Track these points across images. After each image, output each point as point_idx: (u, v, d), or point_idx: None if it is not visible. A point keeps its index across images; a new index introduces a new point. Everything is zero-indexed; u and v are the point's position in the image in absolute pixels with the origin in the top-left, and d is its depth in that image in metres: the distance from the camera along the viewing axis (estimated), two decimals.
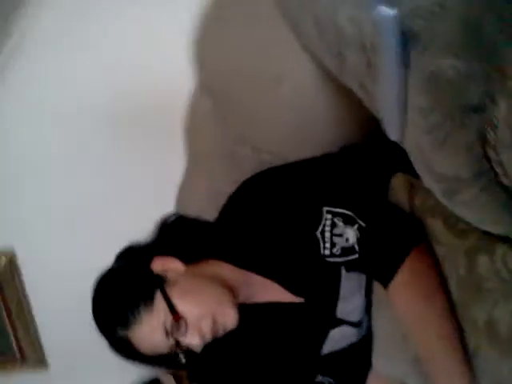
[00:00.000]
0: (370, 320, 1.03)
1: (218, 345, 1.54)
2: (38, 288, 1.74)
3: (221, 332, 0.97)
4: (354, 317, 1.03)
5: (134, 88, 1.47)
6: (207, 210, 1.20)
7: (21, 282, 1.73)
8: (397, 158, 0.86)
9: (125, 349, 0.98)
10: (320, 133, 1.14)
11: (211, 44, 1.28)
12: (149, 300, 0.95)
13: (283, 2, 1.09)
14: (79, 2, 1.39)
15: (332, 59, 0.89)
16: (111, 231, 1.43)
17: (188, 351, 0.97)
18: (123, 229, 1.31)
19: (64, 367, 1.90)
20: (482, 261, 0.70)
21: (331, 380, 1.12)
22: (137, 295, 0.97)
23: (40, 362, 1.89)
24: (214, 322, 0.95)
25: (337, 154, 1.11)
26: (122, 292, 0.99)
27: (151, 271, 0.99)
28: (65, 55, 1.44)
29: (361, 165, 1.05)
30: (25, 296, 1.75)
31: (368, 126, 1.01)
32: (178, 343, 0.94)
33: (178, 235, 1.10)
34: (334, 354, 1.08)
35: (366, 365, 1.05)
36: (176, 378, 1.71)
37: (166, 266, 1.00)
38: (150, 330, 0.94)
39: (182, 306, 0.94)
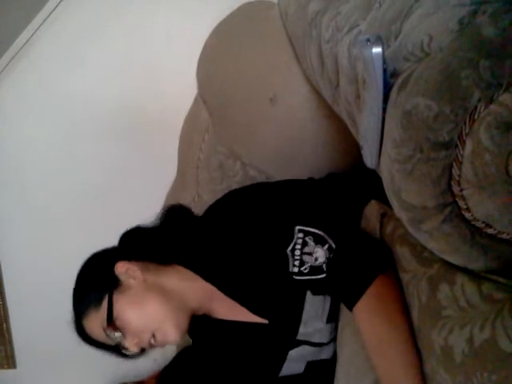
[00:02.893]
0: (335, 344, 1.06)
1: (182, 356, 1.58)
2: (10, 287, 1.75)
3: (160, 345, 1.04)
4: (316, 339, 1.05)
5: (139, 94, 1.51)
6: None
7: None
8: (376, 188, 0.90)
9: (83, 334, 1.07)
10: (307, 156, 1.18)
11: (214, 61, 1.33)
12: (98, 300, 1.02)
13: (291, 30, 1.14)
14: (85, 14, 1.44)
15: (328, 87, 0.94)
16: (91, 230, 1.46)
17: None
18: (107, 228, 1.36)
19: (32, 369, 1.91)
20: (443, 289, 0.73)
21: None
22: (91, 292, 1.05)
23: (9, 362, 1.89)
24: (154, 337, 1.02)
25: (320, 180, 1.15)
26: (82, 286, 1.08)
27: (112, 272, 1.05)
28: (69, 65, 1.48)
29: (339, 190, 1.08)
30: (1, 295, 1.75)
31: (353, 154, 1.06)
32: (118, 344, 1.03)
33: (150, 238, 1.13)
34: (292, 377, 1.10)
35: None
36: None
37: (127, 271, 1.05)
38: (93, 327, 1.03)
39: (125, 315, 1.00)
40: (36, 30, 1.38)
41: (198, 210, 1.22)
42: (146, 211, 1.48)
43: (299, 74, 1.15)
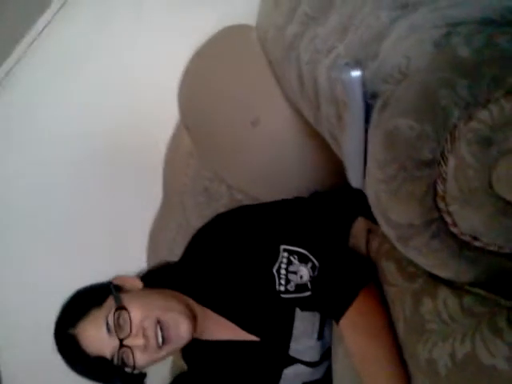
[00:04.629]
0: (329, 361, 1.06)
1: (177, 382, 1.56)
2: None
3: (170, 340, 0.97)
4: (308, 357, 1.06)
5: (120, 121, 1.52)
6: (179, 243, 1.24)
7: None
8: (362, 205, 0.91)
9: (72, 349, 0.97)
10: (292, 177, 1.19)
11: (194, 86, 1.34)
12: (100, 300, 0.98)
13: (270, 54, 1.16)
14: (63, 49, 1.45)
15: (310, 109, 0.95)
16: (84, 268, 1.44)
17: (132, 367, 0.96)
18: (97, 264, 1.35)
19: None
20: (426, 303, 0.74)
21: None
22: (91, 297, 1.01)
23: None
24: (160, 325, 0.95)
25: (306, 198, 1.16)
26: (79, 298, 1.03)
27: (110, 283, 1.03)
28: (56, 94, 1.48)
29: (325, 208, 1.10)
30: None
31: (339, 173, 1.07)
32: (121, 343, 0.94)
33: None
34: None
35: None
36: None
37: (125, 281, 1.05)
38: (94, 325, 0.95)
39: (128, 306, 0.96)
40: (15, 64, 1.38)
41: (186, 235, 1.22)
42: (133, 239, 1.50)
43: (280, 96, 1.16)
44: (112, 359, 0.95)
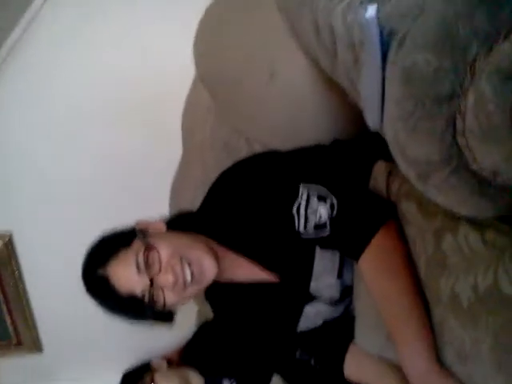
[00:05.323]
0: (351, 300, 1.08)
1: (203, 330, 1.61)
2: (34, 272, 1.79)
3: (196, 276, 0.99)
4: (328, 295, 1.08)
5: (138, 79, 1.52)
6: (200, 198, 1.25)
7: (18, 266, 1.76)
8: (382, 150, 0.91)
9: (104, 290, 1.00)
10: (310, 128, 1.19)
11: (210, 40, 1.32)
12: (127, 242, 1.00)
13: (284, 3, 1.14)
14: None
15: (326, 57, 0.94)
16: (108, 216, 1.48)
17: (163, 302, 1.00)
18: (120, 210, 1.38)
19: (58, 352, 1.95)
20: (447, 239, 0.75)
21: (310, 355, 1.17)
22: (118, 240, 1.03)
23: (35, 346, 1.93)
24: (188, 263, 0.98)
25: (327, 145, 1.16)
26: (106, 241, 1.06)
27: (133, 228, 1.06)
28: (69, 48, 1.49)
29: (345, 152, 1.10)
30: (21, 280, 1.78)
31: (357, 122, 1.06)
32: (151, 282, 0.97)
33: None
34: (311, 331, 1.14)
35: (344, 342, 1.10)
36: (167, 361, 1.76)
37: (148, 225, 1.07)
38: (124, 265, 0.98)
39: (156, 246, 0.99)
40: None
41: (206, 189, 1.23)
42: (153, 198, 1.52)
43: (296, 47, 1.14)
44: (143, 297, 0.98)
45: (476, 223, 0.71)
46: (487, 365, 0.72)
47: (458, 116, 0.58)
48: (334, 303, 1.09)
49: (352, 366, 1.12)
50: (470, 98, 0.57)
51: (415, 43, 0.59)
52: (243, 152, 1.36)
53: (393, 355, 0.93)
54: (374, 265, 0.92)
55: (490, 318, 0.67)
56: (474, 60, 0.55)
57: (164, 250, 0.98)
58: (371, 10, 0.63)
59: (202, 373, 1.66)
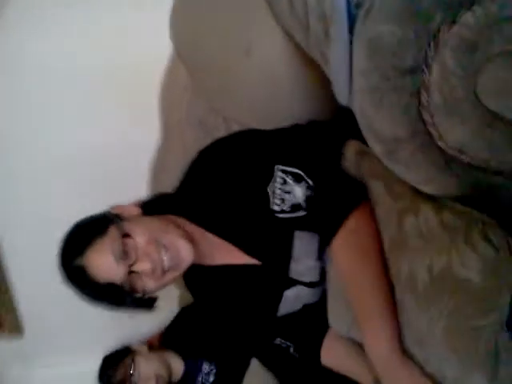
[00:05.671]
0: None
1: (183, 314, 1.60)
2: (16, 254, 1.77)
3: (173, 262, 0.98)
4: (308, 277, 1.07)
5: (114, 57, 1.49)
6: (179, 176, 1.24)
7: None
8: (357, 132, 0.90)
9: (82, 279, 0.99)
10: (286, 105, 1.17)
11: (186, 14, 1.30)
12: (102, 229, 0.98)
13: None
14: None
15: (299, 29, 0.92)
16: (88, 199, 1.46)
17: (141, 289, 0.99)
18: (100, 194, 1.36)
19: (39, 336, 1.95)
20: (409, 220, 0.75)
21: (289, 343, 1.17)
22: (92, 227, 1.00)
23: (15, 328, 1.92)
24: (165, 249, 0.97)
25: (303, 125, 1.15)
26: (81, 229, 1.03)
27: (109, 212, 1.04)
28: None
29: (320, 133, 1.09)
30: (2, 262, 1.77)
31: (334, 100, 1.06)
32: (129, 270, 0.96)
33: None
34: (291, 316, 1.13)
35: (322, 330, 1.10)
36: (148, 345, 1.77)
37: (123, 209, 1.05)
38: (101, 254, 0.96)
39: (132, 233, 0.97)
40: None
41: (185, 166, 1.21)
42: (134, 176, 1.50)
43: (273, 23, 1.12)
44: (121, 285, 0.97)
45: (436, 204, 0.71)
46: (441, 347, 0.72)
47: (422, 90, 0.57)
48: (313, 285, 1.08)
49: (328, 353, 1.12)
50: (434, 71, 0.56)
51: (380, 14, 0.57)
52: (221, 131, 1.34)
53: (359, 337, 0.93)
54: (344, 247, 0.91)
55: (444, 299, 0.67)
56: (438, 31, 0.54)
57: (140, 237, 0.97)
58: None
59: (183, 356, 1.67)
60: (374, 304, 0.86)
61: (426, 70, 0.56)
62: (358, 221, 0.90)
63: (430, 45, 0.55)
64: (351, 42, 0.63)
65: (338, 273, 0.94)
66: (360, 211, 0.90)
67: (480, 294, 0.62)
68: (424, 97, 0.58)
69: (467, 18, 0.53)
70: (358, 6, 0.62)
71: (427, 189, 0.67)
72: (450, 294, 0.66)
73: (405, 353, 0.83)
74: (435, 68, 0.56)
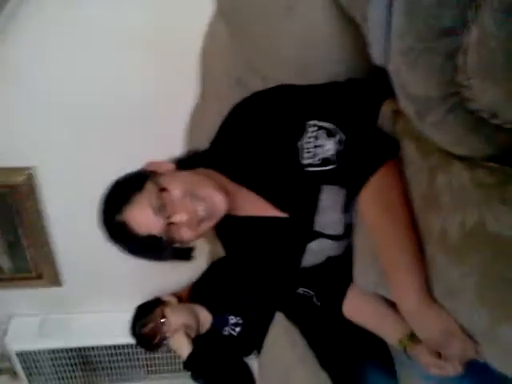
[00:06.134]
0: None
1: (212, 269, 1.65)
2: (55, 208, 1.83)
3: (208, 212, 1.03)
4: (331, 230, 1.10)
5: (156, 14, 1.50)
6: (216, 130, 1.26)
7: (39, 202, 1.80)
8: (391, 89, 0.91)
9: (123, 234, 1.04)
10: (324, 64, 1.17)
11: None
12: (140, 186, 1.03)
13: None
14: None
15: None
16: (126, 153, 1.50)
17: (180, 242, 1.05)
18: (137, 149, 1.41)
19: (77, 285, 2.04)
20: (440, 177, 0.76)
21: (311, 292, 1.20)
22: (130, 184, 1.06)
23: (54, 280, 1.98)
24: (199, 200, 1.02)
25: (341, 82, 1.15)
26: (120, 187, 1.08)
27: (145, 169, 1.09)
28: None
29: (358, 90, 1.09)
30: (42, 216, 1.80)
31: (371, 60, 1.05)
32: (167, 221, 1.01)
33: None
34: (314, 267, 1.17)
35: (346, 279, 1.13)
36: (177, 297, 1.84)
37: (158, 165, 1.10)
38: (140, 209, 1.02)
39: (168, 187, 1.02)
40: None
41: None
42: (171, 134, 1.54)
43: None
44: (161, 236, 1.03)
45: (468, 162, 0.71)
46: (472, 298, 0.74)
47: (458, 52, 0.57)
48: (336, 238, 1.11)
49: (351, 305, 1.16)
50: (474, 33, 0.56)
51: None
52: (259, 88, 1.35)
53: (386, 292, 0.95)
54: (372, 199, 0.93)
55: (476, 254, 0.68)
56: None
57: (176, 190, 1.02)
58: None
59: (210, 310, 1.73)
60: (402, 256, 0.89)
61: (464, 32, 0.56)
62: (387, 175, 0.92)
63: (470, 6, 0.55)
64: (391, 4, 0.63)
65: (365, 226, 0.95)
66: (389, 167, 0.92)
67: (510, 247, 0.64)
68: (460, 59, 0.58)
69: None
70: None
71: (457, 150, 0.68)
72: (482, 248, 0.67)
73: (434, 301, 0.86)
74: (474, 31, 0.56)
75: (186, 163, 1.14)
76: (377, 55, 0.70)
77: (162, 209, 1.01)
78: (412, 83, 0.62)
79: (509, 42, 0.56)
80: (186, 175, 1.08)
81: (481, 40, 0.56)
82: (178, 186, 1.03)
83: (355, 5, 0.83)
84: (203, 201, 1.03)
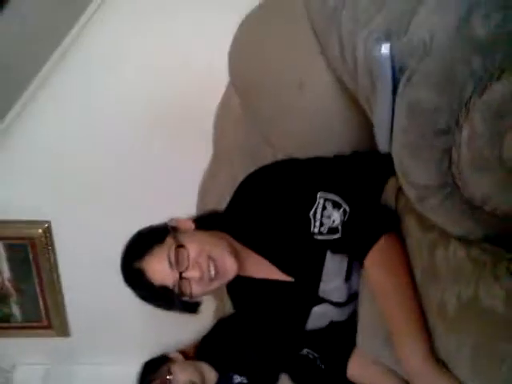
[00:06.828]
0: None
1: (219, 326, 1.70)
2: (68, 261, 1.89)
3: (219, 272, 1.11)
4: (335, 297, 1.18)
5: (174, 80, 1.60)
6: (225, 197, 1.34)
7: (54, 254, 1.87)
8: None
9: (139, 280, 1.13)
10: (333, 139, 1.25)
11: (245, 48, 1.40)
12: (161, 238, 1.13)
13: (315, 20, 1.21)
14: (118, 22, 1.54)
15: (349, 75, 1.01)
16: (138, 210, 1.58)
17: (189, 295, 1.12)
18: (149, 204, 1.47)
19: (85, 337, 2.07)
20: (439, 252, 0.84)
21: (315, 354, 1.25)
22: (152, 236, 1.15)
23: (63, 330, 2.03)
24: (212, 261, 1.11)
25: (346, 156, 1.23)
26: (142, 238, 1.18)
27: (167, 224, 1.18)
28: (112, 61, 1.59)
29: (363, 164, 1.18)
30: (56, 268, 1.88)
31: None
32: (181, 275, 1.09)
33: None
34: (318, 331, 1.23)
35: (349, 344, 1.18)
36: (183, 354, 1.86)
37: (180, 222, 1.19)
38: (158, 260, 1.11)
39: (186, 244, 1.11)
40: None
41: (231, 190, 1.31)
42: (185, 191, 1.62)
43: (324, 63, 1.21)
44: (173, 288, 1.11)
45: (465, 240, 0.78)
46: (467, 369, 0.79)
47: (453, 148, 0.66)
48: (340, 305, 1.17)
49: (355, 367, 1.20)
50: (465, 132, 0.64)
51: (420, 81, 0.66)
52: (269, 160, 1.43)
53: (388, 360, 1.00)
54: (378, 264, 1.01)
55: (471, 326, 0.74)
56: (469, 99, 0.63)
57: (193, 249, 1.11)
58: (385, 49, 0.70)
59: (216, 368, 1.76)
60: (407, 319, 0.94)
61: (457, 131, 0.65)
62: (389, 242, 1.00)
63: (461, 110, 0.63)
64: (394, 100, 0.72)
65: (370, 290, 1.02)
66: (390, 236, 1.00)
67: (504, 321, 0.69)
68: (455, 154, 0.66)
69: (496, 87, 0.61)
70: (401, 69, 0.71)
71: (452, 231, 0.75)
72: (476, 321, 0.73)
73: (437, 361, 0.91)
74: (465, 130, 0.64)
75: (204, 222, 1.23)
76: (381, 145, 0.78)
77: (177, 263, 1.09)
78: (413, 172, 0.70)
79: (494, 142, 0.64)
80: (203, 236, 1.17)
81: (471, 138, 0.65)
82: (194, 245, 1.11)
83: (361, 94, 0.92)
84: (216, 262, 1.11)
